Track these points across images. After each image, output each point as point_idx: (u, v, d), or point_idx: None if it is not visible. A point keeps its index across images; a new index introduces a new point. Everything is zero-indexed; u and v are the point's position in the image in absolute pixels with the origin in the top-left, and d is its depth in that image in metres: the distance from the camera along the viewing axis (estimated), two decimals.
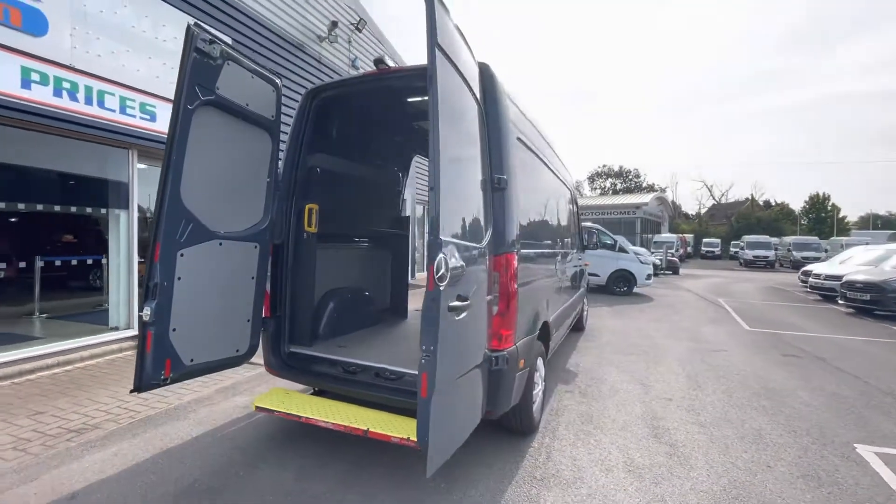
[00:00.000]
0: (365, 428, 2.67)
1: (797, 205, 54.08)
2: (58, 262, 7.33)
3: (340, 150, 4.27)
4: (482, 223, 2.58)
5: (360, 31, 10.18)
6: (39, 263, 6.78)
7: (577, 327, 7.36)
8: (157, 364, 2.61)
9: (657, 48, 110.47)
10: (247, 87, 3.03)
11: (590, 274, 12.41)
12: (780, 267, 29.15)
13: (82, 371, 4.85)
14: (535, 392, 3.47)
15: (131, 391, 2.59)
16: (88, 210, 6.14)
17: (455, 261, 1.99)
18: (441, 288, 1.85)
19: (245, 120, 3.08)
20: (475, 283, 2.36)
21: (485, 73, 2.93)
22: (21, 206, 8.18)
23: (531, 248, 3.51)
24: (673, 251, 26.11)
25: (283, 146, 3.53)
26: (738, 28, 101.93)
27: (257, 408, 3.05)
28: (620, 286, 12.41)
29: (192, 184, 2.72)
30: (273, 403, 3.05)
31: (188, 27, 2.61)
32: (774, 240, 31.77)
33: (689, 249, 38.25)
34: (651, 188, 55.28)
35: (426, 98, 2.58)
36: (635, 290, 12.63)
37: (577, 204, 6.79)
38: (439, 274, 1.83)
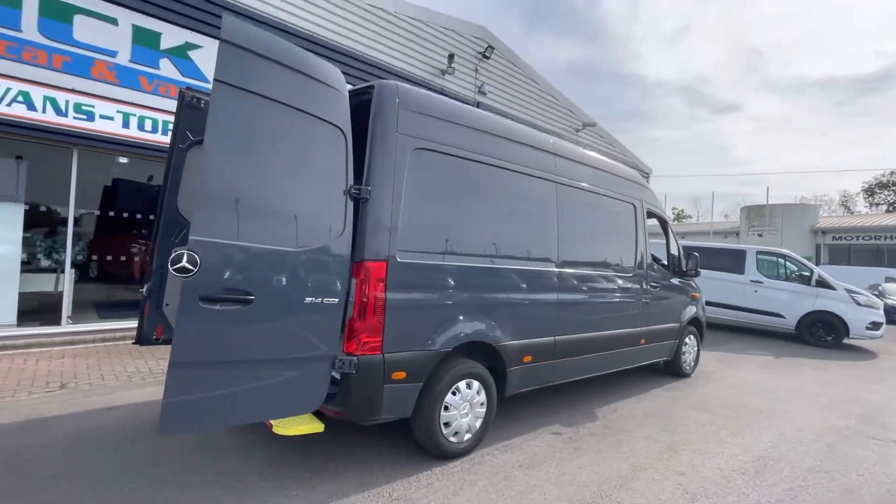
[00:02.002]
0: None
1: None
2: None
3: None
4: (325, 229, 2.72)
5: (487, 58, 10.74)
6: None
7: (673, 371, 5.96)
8: (150, 327, 3.68)
9: None
10: None
11: (770, 314, 9.53)
12: None
13: None
14: (450, 415, 3.24)
15: (132, 343, 3.73)
16: None
17: (220, 257, 2.29)
18: (182, 279, 2.19)
19: None
20: (285, 281, 2.53)
21: (377, 93, 3.08)
22: None
23: (448, 261, 3.28)
24: None
25: None
26: None
27: None
28: (821, 334, 8.98)
29: (189, 198, 3.75)
30: None
31: (180, 90, 3.68)
32: None
33: None
34: None
35: None
36: (847, 341, 8.98)
37: (663, 221, 5.64)
38: (177, 266, 2.17)
